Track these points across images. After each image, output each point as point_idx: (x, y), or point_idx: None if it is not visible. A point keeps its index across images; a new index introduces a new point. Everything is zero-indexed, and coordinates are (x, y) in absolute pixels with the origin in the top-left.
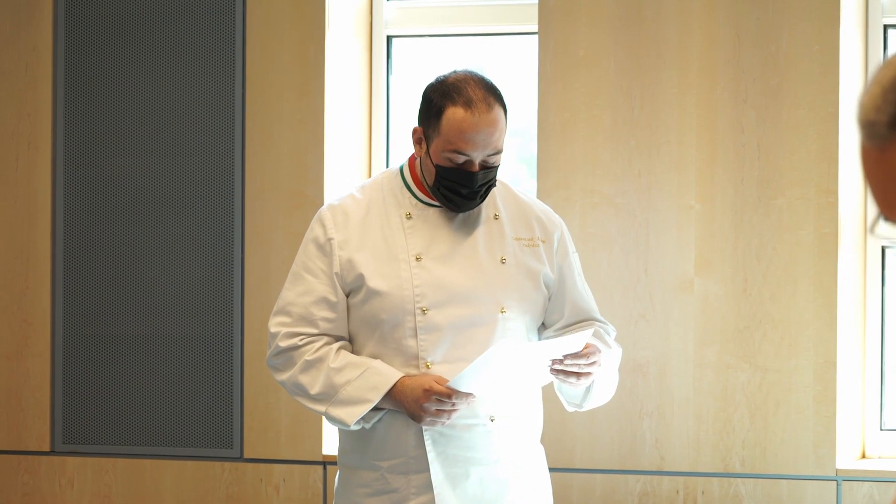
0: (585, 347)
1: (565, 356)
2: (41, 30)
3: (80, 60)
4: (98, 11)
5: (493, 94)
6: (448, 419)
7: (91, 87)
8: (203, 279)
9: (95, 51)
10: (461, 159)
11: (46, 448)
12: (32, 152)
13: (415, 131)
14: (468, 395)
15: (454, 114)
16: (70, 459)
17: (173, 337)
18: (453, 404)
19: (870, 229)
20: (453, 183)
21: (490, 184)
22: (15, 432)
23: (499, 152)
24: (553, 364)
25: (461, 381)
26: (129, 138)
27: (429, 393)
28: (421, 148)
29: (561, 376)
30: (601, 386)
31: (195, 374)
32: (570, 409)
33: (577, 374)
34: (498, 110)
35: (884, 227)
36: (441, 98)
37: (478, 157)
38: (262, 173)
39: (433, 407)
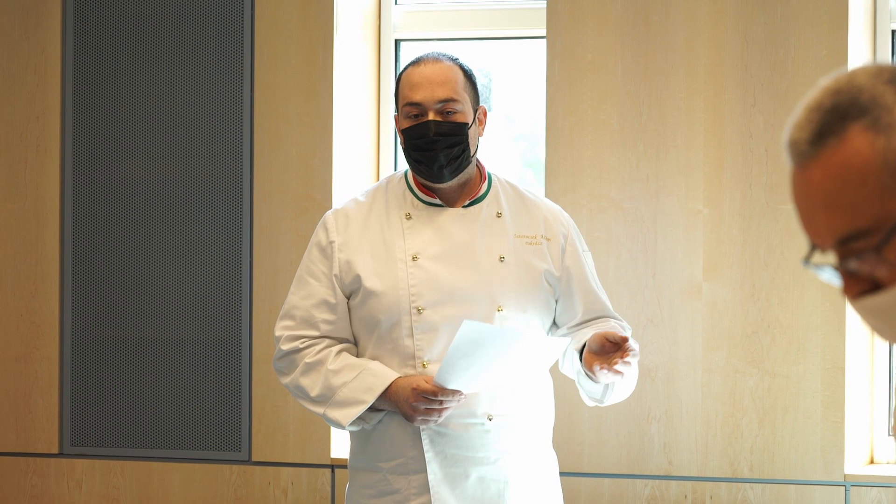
0: (624, 341)
1: (613, 357)
2: (50, 33)
3: (89, 63)
4: (106, 14)
5: (446, 56)
6: (439, 418)
7: (99, 90)
8: (211, 282)
9: (104, 53)
10: (415, 111)
11: (55, 450)
12: (41, 155)
13: (395, 119)
14: (455, 392)
15: (406, 73)
16: (78, 462)
17: (181, 339)
18: (441, 402)
19: (804, 261)
20: (414, 140)
21: (456, 143)
22: (24, 434)
23: (453, 101)
24: (601, 367)
25: (443, 376)
26: (137, 141)
27: (416, 392)
28: (400, 132)
29: (609, 374)
30: (625, 382)
31: (203, 377)
32: (590, 403)
33: (616, 371)
34: (449, 64)
35: (818, 258)
36: (402, 71)
37: (430, 104)
38: (269, 176)
39: (422, 406)
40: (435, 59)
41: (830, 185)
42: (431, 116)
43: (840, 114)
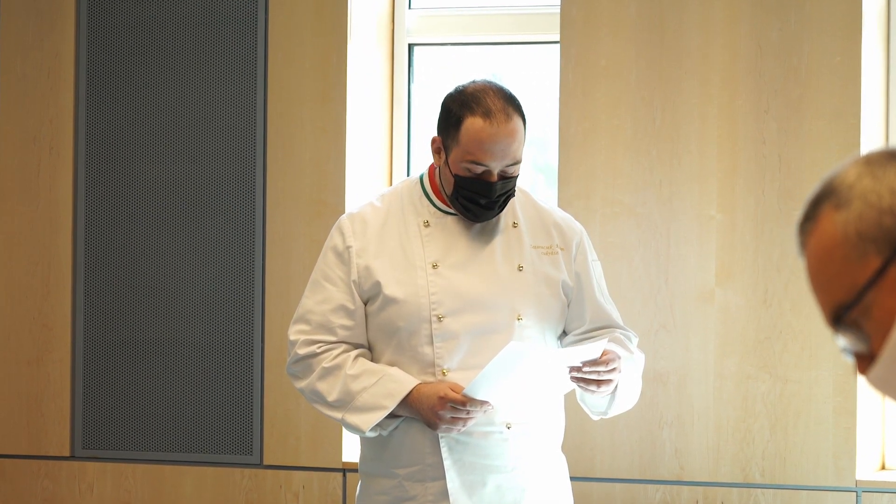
0: (604, 354)
1: (584, 363)
2: (63, 36)
3: (102, 67)
4: (120, 18)
5: (511, 105)
6: (463, 427)
7: (113, 94)
8: (224, 285)
9: (117, 57)
10: (480, 169)
11: (66, 453)
12: (54, 158)
13: (433, 141)
14: (483, 403)
15: (473, 124)
16: (90, 465)
17: (194, 343)
18: (468, 412)
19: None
20: (472, 193)
21: (509, 194)
22: (35, 437)
23: (517, 162)
24: (572, 372)
25: (476, 388)
26: (150, 144)
27: (444, 400)
28: (440, 157)
29: (581, 384)
30: (624, 392)
31: (215, 380)
32: (595, 417)
33: (598, 382)
34: (517, 120)
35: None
36: (460, 108)
37: (496, 168)
38: (283, 181)
39: (448, 414)
40: (506, 115)
41: (813, 266)
42: (496, 177)
43: (817, 199)
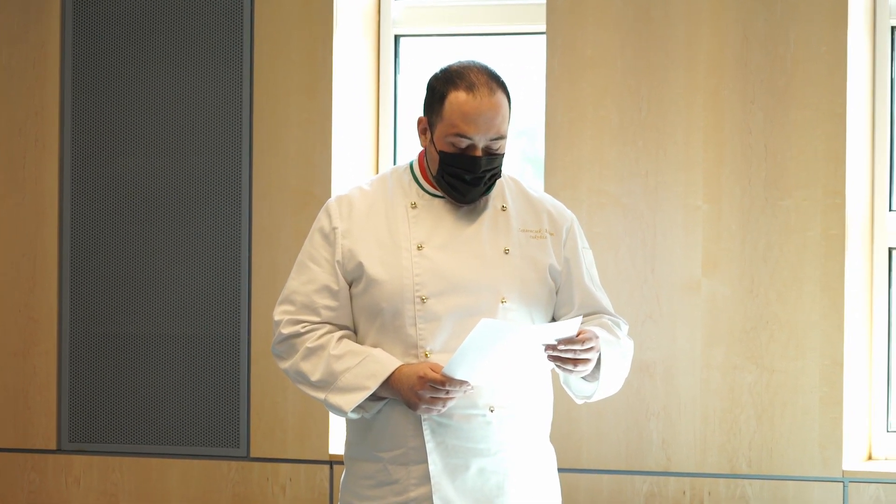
0: (580, 333)
1: (559, 341)
2: (49, 28)
3: (88, 58)
4: (106, 10)
5: (495, 80)
6: (443, 407)
7: (99, 85)
8: (210, 278)
9: (103, 49)
10: (464, 143)
11: (53, 446)
12: (40, 150)
13: (419, 121)
14: (462, 382)
15: (456, 97)
16: (76, 458)
17: (180, 335)
18: (447, 392)
19: None
20: (457, 169)
21: (494, 172)
22: (21, 430)
23: (502, 137)
24: (547, 350)
25: (454, 367)
26: (136, 136)
27: (423, 380)
28: (425, 137)
29: (558, 363)
30: (609, 376)
31: (202, 373)
32: (579, 401)
33: (574, 361)
34: (500, 95)
35: None
36: (444, 84)
37: (481, 141)
38: (269, 173)
39: (427, 394)
40: (489, 89)
41: None
42: (481, 152)
43: None
